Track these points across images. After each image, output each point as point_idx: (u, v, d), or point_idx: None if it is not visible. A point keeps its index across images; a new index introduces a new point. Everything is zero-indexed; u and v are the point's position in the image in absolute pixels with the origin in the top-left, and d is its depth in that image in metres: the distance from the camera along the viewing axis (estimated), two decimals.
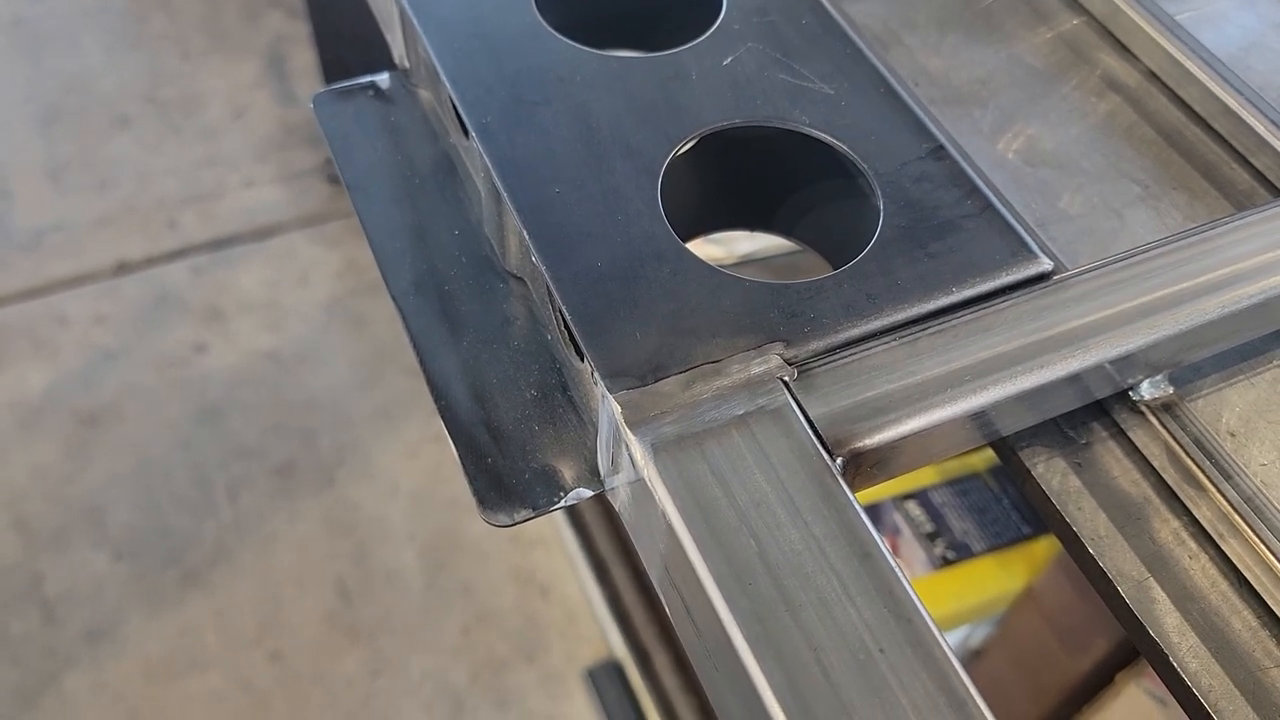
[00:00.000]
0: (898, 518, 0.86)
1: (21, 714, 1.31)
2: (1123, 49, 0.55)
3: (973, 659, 0.89)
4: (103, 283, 1.68)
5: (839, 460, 0.35)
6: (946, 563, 0.83)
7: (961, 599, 0.81)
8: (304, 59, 1.92)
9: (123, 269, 1.70)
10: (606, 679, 1.37)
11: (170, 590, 1.42)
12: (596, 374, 0.36)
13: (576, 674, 1.39)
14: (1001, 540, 0.84)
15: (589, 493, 0.39)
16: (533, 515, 0.39)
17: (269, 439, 1.55)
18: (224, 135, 1.84)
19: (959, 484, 0.86)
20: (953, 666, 0.31)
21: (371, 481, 1.52)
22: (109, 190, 1.78)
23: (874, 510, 0.89)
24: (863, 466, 0.36)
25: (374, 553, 1.47)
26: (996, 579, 0.81)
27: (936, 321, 0.39)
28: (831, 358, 0.37)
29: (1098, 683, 0.75)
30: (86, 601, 1.40)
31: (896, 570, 0.33)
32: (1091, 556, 0.39)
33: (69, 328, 1.63)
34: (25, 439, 1.52)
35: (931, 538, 0.84)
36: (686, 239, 0.47)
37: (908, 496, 0.86)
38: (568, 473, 0.40)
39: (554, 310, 0.40)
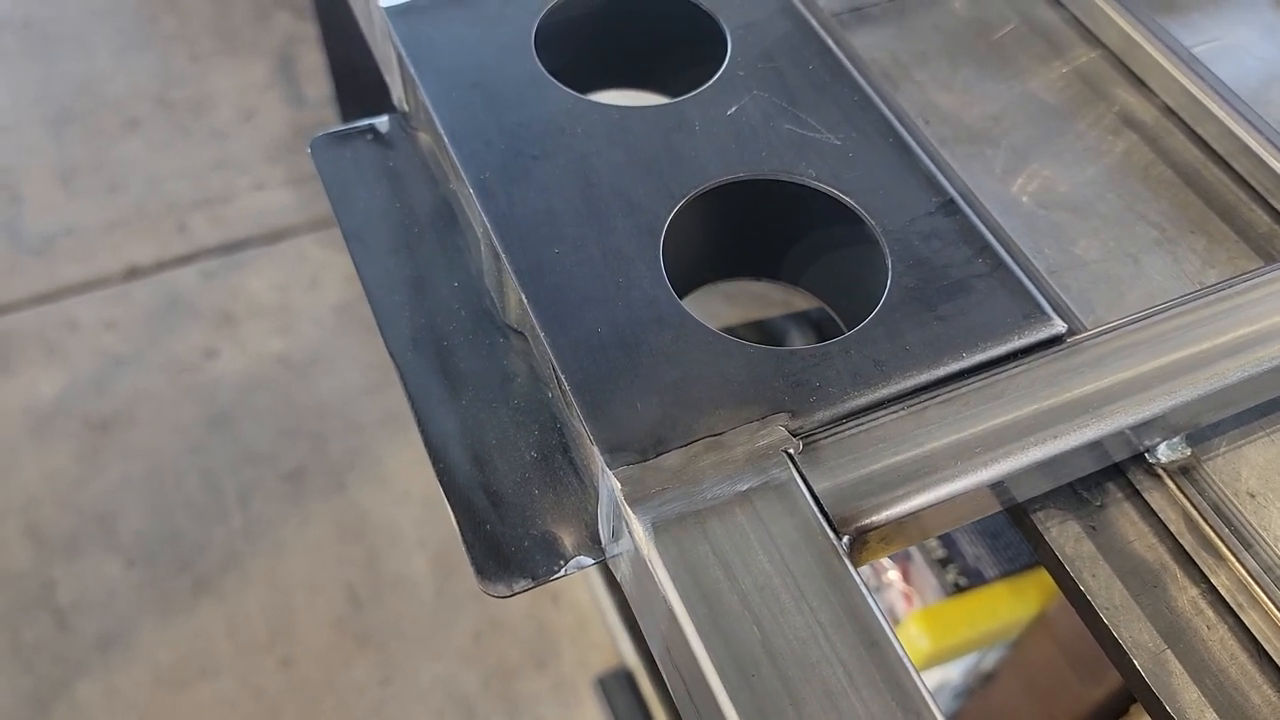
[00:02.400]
0: None
1: None
2: (1139, 84, 0.53)
3: (985, 683, 0.88)
4: (113, 287, 1.68)
5: (845, 539, 0.34)
6: (959, 589, 0.82)
7: (974, 626, 0.80)
8: (313, 60, 1.91)
9: (133, 273, 1.69)
10: (617, 687, 1.37)
11: (181, 596, 1.42)
12: (597, 448, 0.35)
13: (587, 682, 1.38)
14: (1015, 566, 0.83)
15: (590, 561, 0.38)
16: (532, 585, 0.38)
17: (279, 444, 1.54)
18: (234, 137, 1.84)
19: None
20: None
21: (382, 486, 1.52)
22: (119, 194, 1.77)
23: None
24: (870, 542, 0.36)
25: (384, 558, 1.47)
26: (1009, 606, 0.80)
27: (946, 388, 0.37)
28: (838, 428, 0.36)
29: (1112, 712, 0.74)
30: (98, 608, 1.40)
31: (904, 659, 0.32)
32: (1107, 627, 0.38)
33: (80, 333, 1.63)
34: (37, 445, 1.52)
35: (943, 564, 0.83)
36: (692, 289, 0.46)
37: None
38: (568, 540, 0.39)
39: (554, 373, 0.39)
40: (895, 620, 0.85)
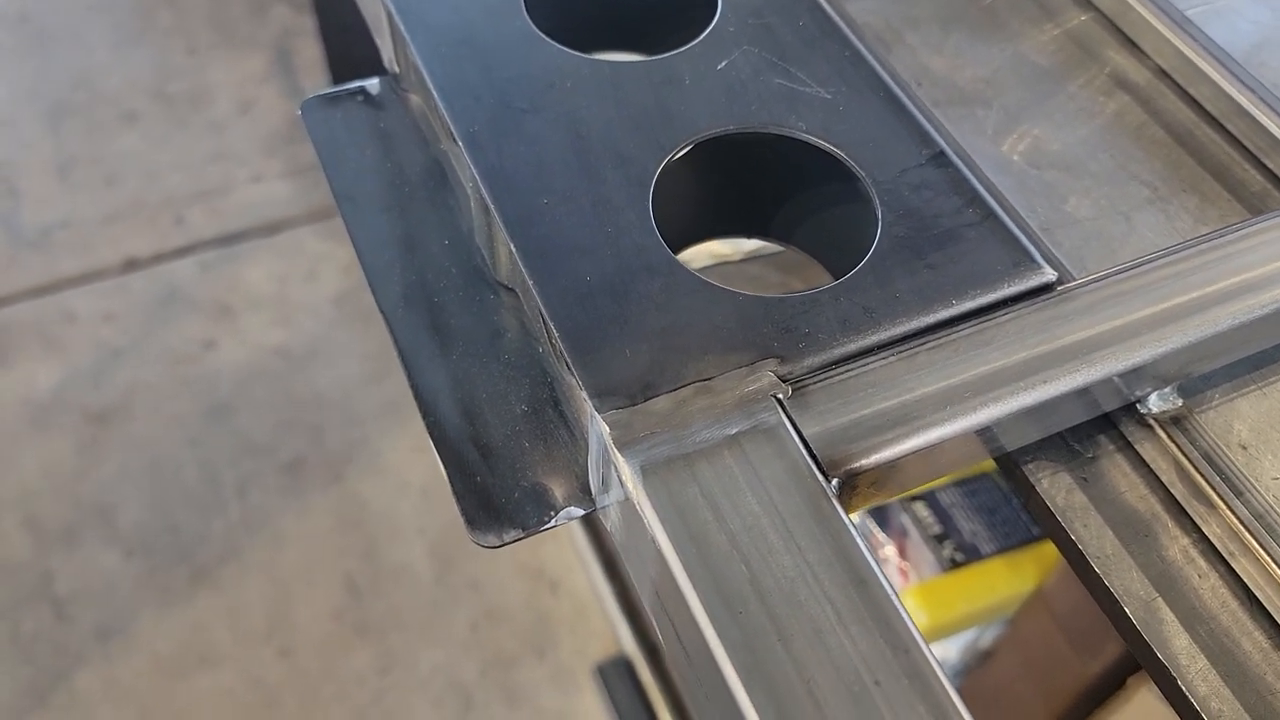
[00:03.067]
0: (905, 519, 0.84)
1: (33, 711, 1.32)
2: (1132, 46, 0.53)
3: (983, 660, 0.88)
4: (111, 280, 1.68)
5: (834, 481, 0.34)
6: (955, 564, 0.81)
7: (971, 601, 0.79)
8: (311, 52, 1.91)
9: (131, 266, 1.69)
10: (616, 675, 1.36)
11: (180, 587, 1.42)
12: (585, 393, 0.35)
13: (586, 670, 1.38)
14: (1011, 541, 0.82)
15: (580, 511, 0.38)
16: (522, 535, 0.38)
17: (278, 435, 1.54)
18: (231, 130, 1.84)
19: (967, 484, 0.85)
20: (951, 700, 0.30)
21: (380, 477, 1.52)
22: (117, 186, 1.77)
23: (881, 511, 0.88)
24: (859, 487, 0.35)
25: (383, 548, 1.46)
26: (1006, 581, 0.80)
27: (936, 335, 0.37)
28: (827, 374, 0.36)
29: (1109, 686, 0.74)
30: (97, 599, 1.40)
31: (893, 597, 0.32)
32: (1098, 576, 0.38)
33: (78, 325, 1.63)
34: (35, 437, 1.52)
35: (940, 539, 0.83)
36: (682, 247, 0.46)
37: (916, 497, 0.85)
38: (558, 491, 0.39)
39: (543, 322, 0.39)
40: None
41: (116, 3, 1.99)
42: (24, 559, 1.42)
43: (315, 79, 1.88)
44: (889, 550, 0.85)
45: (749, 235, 0.47)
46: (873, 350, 0.37)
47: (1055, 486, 0.40)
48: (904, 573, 0.84)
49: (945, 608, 0.79)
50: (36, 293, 1.66)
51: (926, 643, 0.31)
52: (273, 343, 1.63)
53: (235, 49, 1.93)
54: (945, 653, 0.87)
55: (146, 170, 1.79)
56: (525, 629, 1.41)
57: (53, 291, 1.66)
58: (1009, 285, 0.38)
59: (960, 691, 0.80)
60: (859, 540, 0.33)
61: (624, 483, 0.34)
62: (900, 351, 0.37)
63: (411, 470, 1.52)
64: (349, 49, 1.68)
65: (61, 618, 1.38)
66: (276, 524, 1.47)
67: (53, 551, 1.43)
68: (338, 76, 1.70)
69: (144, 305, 1.66)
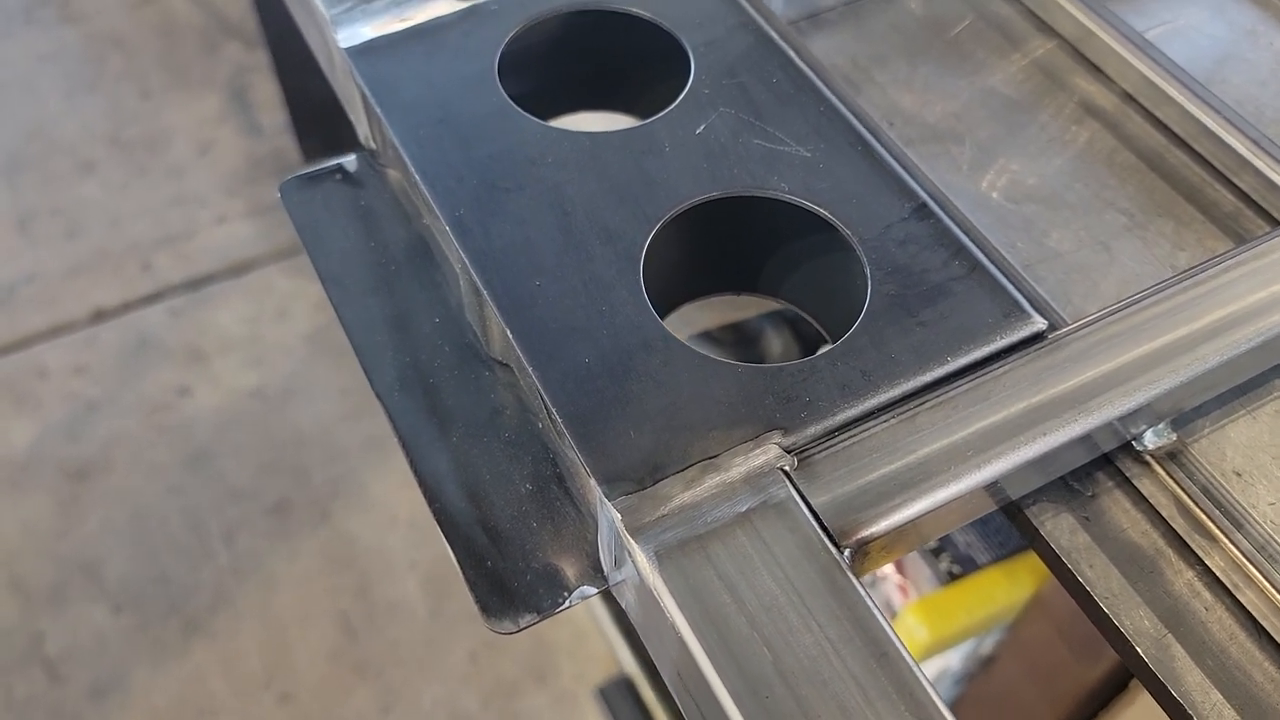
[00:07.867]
0: None
1: None
2: (1097, 71, 0.54)
3: (985, 666, 0.89)
4: (80, 332, 1.66)
5: (847, 552, 0.35)
6: (953, 577, 0.82)
7: (971, 613, 0.80)
8: (266, 89, 1.89)
9: (100, 316, 1.68)
10: (619, 696, 1.37)
11: (173, 639, 1.40)
12: (594, 480, 0.36)
13: (588, 693, 1.38)
14: (1006, 549, 0.83)
15: (593, 591, 0.39)
16: (538, 619, 0.38)
17: (261, 478, 1.53)
18: (191, 173, 1.82)
19: None
20: None
21: (368, 513, 1.51)
22: (79, 237, 1.75)
23: None
24: (871, 553, 0.36)
25: (376, 585, 1.46)
26: (1004, 589, 0.81)
27: (933, 394, 0.38)
28: (831, 441, 0.37)
29: (1112, 689, 0.75)
30: (89, 658, 1.38)
31: (915, 669, 0.32)
32: (1108, 616, 0.39)
33: (49, 380, 1.61)
34: (14, 497, 1.51)
35: (936, 553, 0.84)
36: (675, 308, 0.46)
37: None
38: (570, 570, 0.39)
39: (544, 406, 0.39)
40: (892, 613, 0.86)
41: (66, 50, 1.97)
42: (12, 622, 1.40)
43: (273, 115, 1.86)
44: (887, 568, 0.86)
45: (739, 292, 0.47)
46: (873, 414, 0.37)
47: (1058, 528, 0.41)
48: (903, 589, 0.85)
49: (946, 621, 0.80)
50: (5, 350, 1.64)
51: (950, 710, 0.32)
52: (248, 385, 1.62)
53: (189, 90, 1.92)
54: (948, 661, 0.88)
55: (108, 219, 1.77)
56: (524, 656, 1.41)
57: (22, 348, 1.64)
58: (1001, 337, 0.39)
59: (964, 699, 0.79)
60: (877, 612, 0.33)
61: (639, 568, 0.34)
62: (900, 413, 0.37)
63: (398, 504, 1.52)
64: (305, 83, 1.66)
65: (54, 679, 1.37)
66: (266, 568, 1.47)
67: (41, 612, 1.42)
68: (295, 111, 1.69)
69: (115, 356, 1.64)
